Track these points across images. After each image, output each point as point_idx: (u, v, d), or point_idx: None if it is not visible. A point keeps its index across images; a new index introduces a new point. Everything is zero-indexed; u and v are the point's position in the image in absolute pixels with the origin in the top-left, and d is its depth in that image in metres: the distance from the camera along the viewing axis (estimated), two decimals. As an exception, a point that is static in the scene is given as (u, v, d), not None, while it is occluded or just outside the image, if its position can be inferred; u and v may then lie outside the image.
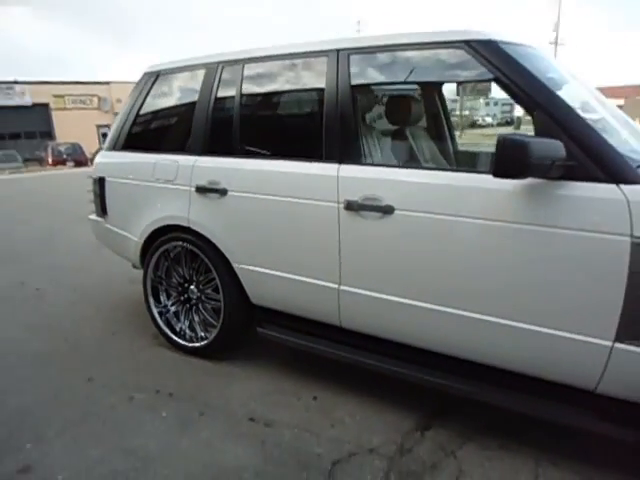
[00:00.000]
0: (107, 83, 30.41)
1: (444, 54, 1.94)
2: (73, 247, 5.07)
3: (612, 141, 1.70)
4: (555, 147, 1.56)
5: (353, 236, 2.03)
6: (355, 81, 2.08)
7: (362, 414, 2.15)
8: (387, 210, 1.91)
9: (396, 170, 1.99)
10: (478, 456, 1.89)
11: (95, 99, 31.27)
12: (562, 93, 1.86)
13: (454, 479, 1.77)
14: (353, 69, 2.08)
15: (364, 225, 1.98)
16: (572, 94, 2.12)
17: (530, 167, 1.51)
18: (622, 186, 1.53)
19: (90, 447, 1.92)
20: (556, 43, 39.51)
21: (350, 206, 1.99)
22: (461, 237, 1.79)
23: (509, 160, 1.52)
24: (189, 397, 2.28)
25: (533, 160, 1.50)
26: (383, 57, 2.07)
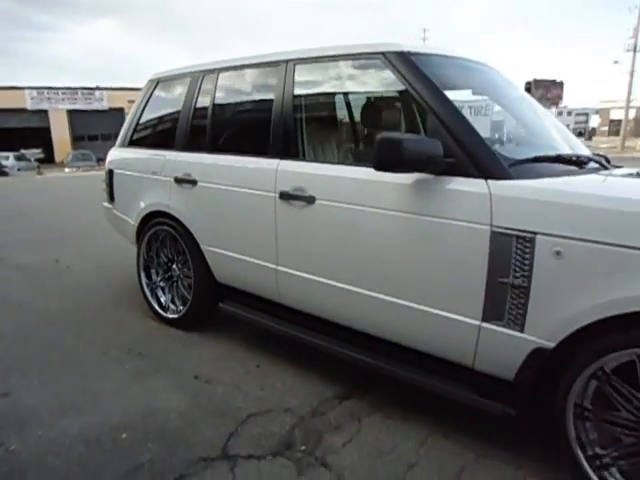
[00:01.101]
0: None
1: (366, 64, 2.19)
2: (109, 234, 5.69)
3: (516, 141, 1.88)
4: (431, 145, 1.77)
5: (285, 222, 2.32)
6: (297, 88, 2.38)
7: (293, 382, 2.42)
8: (310, 200, 2.18)
9: (317, 165, 2.25)
10: (379, 423, 2.10)
11: (165, 104, 33.48)
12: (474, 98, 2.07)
13: (349, 438, 2.00)
14: (297, 77, 2.38)
15: (293, 212, 2.27)
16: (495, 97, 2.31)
17: (404, 162, 1.74)
18: (489, 181, 1.71)
19: (59, 384, 2.35)
20: (634, 50, 37.04)
21: (283, 196, 2.28)
22: (364, 224, 2.03)
23: (385, 155, 1.75)
24: (153, 357, 2.66)
25: (406, 155, 1.72)
26: (319, 67, 2.35)
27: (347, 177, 2.09)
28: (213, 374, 2.47)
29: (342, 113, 2.60)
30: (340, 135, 2.65)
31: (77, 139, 33.19)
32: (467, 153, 1.78)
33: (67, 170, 22.96)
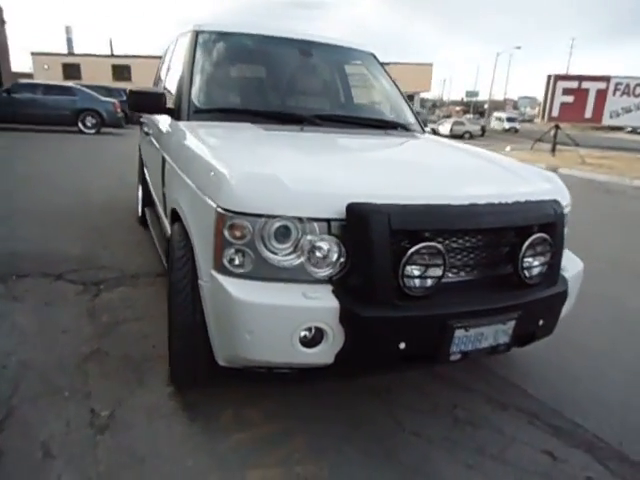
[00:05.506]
0: (430, 65, 35.90)
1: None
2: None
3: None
4: (155, 96, 2.59)
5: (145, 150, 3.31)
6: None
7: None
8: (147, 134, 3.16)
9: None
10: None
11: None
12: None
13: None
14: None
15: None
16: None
17: (141, 106, 2.60)
18: (175, 121, 2.47)
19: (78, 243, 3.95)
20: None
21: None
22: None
23: (132, 101, 2.59)
24: (133, 243, 4.09)
25: (141, 101, 2.55)
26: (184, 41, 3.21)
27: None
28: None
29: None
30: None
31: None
32: (178, 104, 2.51)
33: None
